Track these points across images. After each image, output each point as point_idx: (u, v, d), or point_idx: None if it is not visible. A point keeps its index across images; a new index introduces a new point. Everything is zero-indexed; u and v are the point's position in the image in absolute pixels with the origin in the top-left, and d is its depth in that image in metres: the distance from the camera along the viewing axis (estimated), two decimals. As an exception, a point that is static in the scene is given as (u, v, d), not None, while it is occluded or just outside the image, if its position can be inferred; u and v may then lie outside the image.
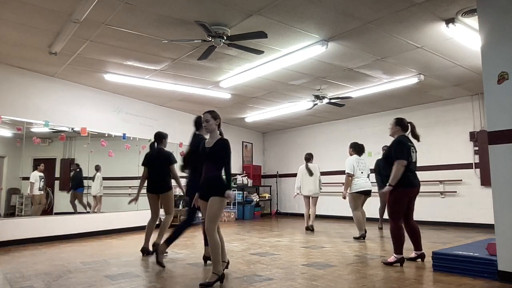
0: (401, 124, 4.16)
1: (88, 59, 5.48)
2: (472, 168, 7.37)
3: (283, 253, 4.81)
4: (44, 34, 4.60)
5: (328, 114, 9.08)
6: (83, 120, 6.88)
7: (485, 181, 7.03)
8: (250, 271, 3.80)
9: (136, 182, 8.32)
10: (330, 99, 7.17)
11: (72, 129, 6.82)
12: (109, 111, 7.37)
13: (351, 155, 6.28)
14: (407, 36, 4.68)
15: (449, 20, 4.23)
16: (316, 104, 7.34)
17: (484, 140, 6.70)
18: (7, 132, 6.23)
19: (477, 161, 7.31)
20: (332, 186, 9.17)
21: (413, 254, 4.10)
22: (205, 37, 4.37)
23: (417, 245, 4.08)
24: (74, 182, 7.36)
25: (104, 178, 7.88)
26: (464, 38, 4.62)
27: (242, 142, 11.07)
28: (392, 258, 3.97)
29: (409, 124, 4.15)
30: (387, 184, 3.97)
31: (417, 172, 4.12)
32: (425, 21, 4.27)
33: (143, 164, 5.01)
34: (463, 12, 4.03)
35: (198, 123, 4.20)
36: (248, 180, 10.45)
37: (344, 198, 6.13)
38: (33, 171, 6.57)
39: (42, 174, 6.69)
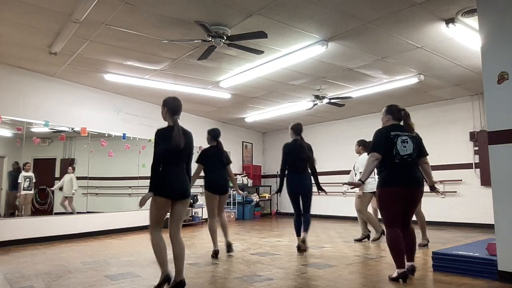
0: (391, 112, 3.53)
1: (88, 59, 5.48)
2: (472, 168, 7.36)
3: (283, 253, 4.81)
4: (44, 34, 4.60)
5: (328, 114, 9.08)
6: (83, 120, 6.88)
7: (485, 181, 7.02)
8: (250, 271, 3.80)
9: (136, 182, 8.39)
10: (330, 99, 7.17)
11: (72, 129, 6.83)
12: (109, 111, 7.37)
13: (359, 153, 5.88)
14: (407, 36, 4.68)
15: (449, 20, 4.23)
16: (316, 104, 7.34)
17: (484, 140, 6.70)
18: (7, 132, 6.23)
19: (477, 161, 7.31)
20: (332, 186, 9.15)
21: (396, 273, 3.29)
22: (205, 37, 4.37)
23: (408, 255, 3.37)
24: (11, 181, 6.79)
25: (104, 178, 7.89)
26: (464, 38, 4.62)
27: (242, 142, 11.08)
28: (395, 273, 3.29)
29: (402, 112, 3.49)
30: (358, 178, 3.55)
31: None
32: (425, 21, 4.27)
33: (199, 162, 4.63)
34: (463, 12, 4.03)
35: (297, 129, 4.89)
36: (248, 180, 10.45)
37: (359, 198, 5.71)
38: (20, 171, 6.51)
39: (28, 174, 6.63)
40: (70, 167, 7.34)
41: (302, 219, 4.80)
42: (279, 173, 4.93)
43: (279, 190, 5.02)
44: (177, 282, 2.92)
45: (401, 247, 3.25)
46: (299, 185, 4.76)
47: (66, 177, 7.31)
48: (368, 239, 5.70)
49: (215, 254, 4.55)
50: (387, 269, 3.84)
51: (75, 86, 6.76)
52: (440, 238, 5.82)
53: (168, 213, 3.11)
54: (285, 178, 4.84)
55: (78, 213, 7.12)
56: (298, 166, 4.74)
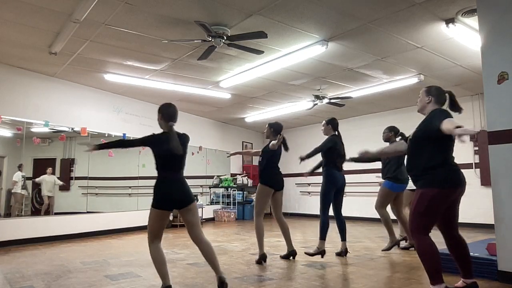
0: (431, 92, 2.82)
1: (88, 59, 5.48)
2: (472, 168, 7.36)
3: (283, 253, 4.81)
4: (44, 34, 4.60)
5: (328, 114, 9.03)
6: (83, 120, 6.88)
7: (485, 181, 7.03)
8: (250, 271, 3.80)
9: (136, 182, 8.40)
10: (330, 99, 7.17)
11: (72, 129, 6.83)
12: (109, 111, 7.37)
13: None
14: (407, 36, 4.68)
15: (449, 20, 4.23)
16: (316, 104, 7.35)
17: (484, 140, 6.69)
18: (7, 132, 6.23)
19: (477, 161, 7.31)
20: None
21: (460, 283, 2.82)
22: (205, 37, 4.37)
23: (466, 270, 2.82)
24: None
25: (104, 178, 7.89)
26: (464, 38, 4.62)
27: (242, 142, 11.07)
28: None
29: (447, 94, 2.84)
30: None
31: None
32: (425, 21, 4.27)
33: (263, 152, 4.42)
34: (463, 12, 4.04)
35: (335, 123, 4.73)
36: (248, 180, 10.45)
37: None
38: (17, 171, 6.53)
39: (24, 174, 6.65)
40: (49, 168, 7.28)
41: (337, 222, 4.57)
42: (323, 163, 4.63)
43: (309, 157, 4.57)
44: (217, 279, 2.87)
45: (436, 257, 2.64)
46: (343, 183, 4.62)
47: (46, 177, 7.24)
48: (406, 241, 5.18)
49: (262, 259, 4.17)
50: (388, 269, 3.85)
51: (75, 86, 6.76)
52: (440, 238, 5.80)
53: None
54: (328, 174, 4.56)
55: (78, 213, 7.12)
56: (340, 163, 4.60)
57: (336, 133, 4.71)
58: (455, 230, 2.81)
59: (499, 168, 3.26)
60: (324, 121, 4.78)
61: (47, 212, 7.03)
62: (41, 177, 7.12)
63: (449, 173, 2.65)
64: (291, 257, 4.39)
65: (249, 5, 3.93)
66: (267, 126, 4.50)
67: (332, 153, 4.57)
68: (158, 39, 4.69)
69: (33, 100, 6.19)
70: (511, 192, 3.16)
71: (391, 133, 5.11)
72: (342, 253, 4.52)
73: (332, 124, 4.71)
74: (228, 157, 4.62)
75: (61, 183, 7.37)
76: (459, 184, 2.66)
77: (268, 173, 4.34)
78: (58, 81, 6.52)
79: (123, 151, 7.62)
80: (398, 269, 3.79)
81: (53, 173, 7.39)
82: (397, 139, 4.94)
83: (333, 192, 4.54)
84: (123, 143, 3.11)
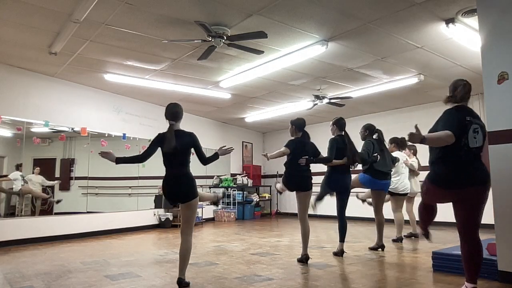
0: (455, 88, 2.89)
1: (88, 59, 5.48)
2: (472, 168, 7.35)
3: (283, 253, 4.81)
4: (44, 34, 4.60)
5: (328, 114, 9.06)
6: (83, 120, 6.88)
7: (485, 181, 7.01)
8: (250, 271, 3.80)
9: (136, 182, 8.40)
10: (330, 99, 7.17)
11: (72, 129, 6.82)
12: (109, 111, 7.37)
13: (391, 151, 5.32)
14: (407, 36, 4.68)
15: (449, 20, 4.23)
16: (316, 104, 7.34)
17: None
18: (7, 132, 6.23)
19: (477, 161, 7.30)
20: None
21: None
22: (205, 37, 4.37)
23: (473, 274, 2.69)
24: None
25: (104, 178, 7.89)
26: (464, 38, 4.62)
27: (242, 142, 11.08)
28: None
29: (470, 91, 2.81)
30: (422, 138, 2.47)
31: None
32: (425, 21, 4.27)
33: (287, 146, 4.38)
34: (463, 12, 4.04)
35: (340, 123, 4.78)
36: (248, 180, 10.45)
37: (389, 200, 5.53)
38: (15, 171, 6.44)
39: (23, 174, 6.60)
40: (37, 168, 7.03)
41: (339, 223, 4.54)
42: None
43: (314, 162, 4.44)
44: (177, 279, 3.19)
45: (473, 259, 2.60)
46: (346, 184, 4.53)
47: (33, 177, 7.00)
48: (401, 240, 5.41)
49: (305, 259, 4.11)
50: (388, 269, 3.85)
51: (75, 86, 6.76)
52: (440, 238, 5.81)
53: None
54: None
55: (78, 213, 7.11)
56: (348, 163, 4.55)
57: (343, 133, 4.68)
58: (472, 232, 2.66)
59: (499, 168, 3.26)
60: (331, 122, 4.77)
61: (33, 213, 6.92)
62: (28, 176, 6.90)
63: (453, 172, 2.53)
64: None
65: (249, 5, 3.93)
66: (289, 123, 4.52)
67: (336, 155, 4.53)
68: (158, 39, 4.69)
69: (33, 100, 6.19)
70: (511, 192, 3.16)
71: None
72: (338, 253, 4.53)
73: (337, 124, 4.71)
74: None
75: (48, 182, 7.23)
76: (454, 185, 2.53)
77: (285, 172, 4.38)
78: (58, 81, 6.52)
79: (124, 151, 7.63)
80: (398, 269, 3.79)
81: (53, 173, 7.38)
82: (374, 136, 5.01)
83: (329, 194, 4.54)
84: (140, 158, 3.29)
